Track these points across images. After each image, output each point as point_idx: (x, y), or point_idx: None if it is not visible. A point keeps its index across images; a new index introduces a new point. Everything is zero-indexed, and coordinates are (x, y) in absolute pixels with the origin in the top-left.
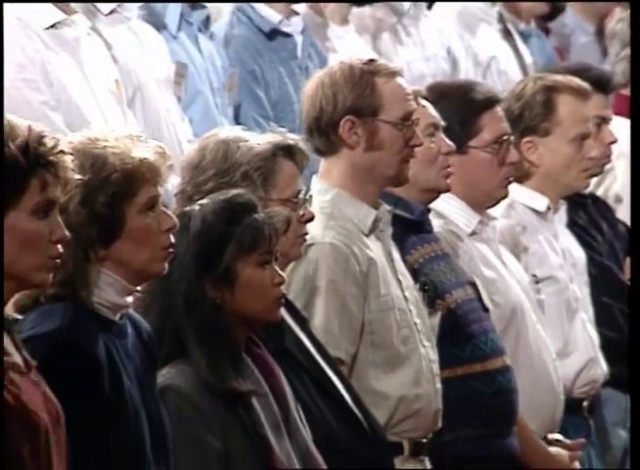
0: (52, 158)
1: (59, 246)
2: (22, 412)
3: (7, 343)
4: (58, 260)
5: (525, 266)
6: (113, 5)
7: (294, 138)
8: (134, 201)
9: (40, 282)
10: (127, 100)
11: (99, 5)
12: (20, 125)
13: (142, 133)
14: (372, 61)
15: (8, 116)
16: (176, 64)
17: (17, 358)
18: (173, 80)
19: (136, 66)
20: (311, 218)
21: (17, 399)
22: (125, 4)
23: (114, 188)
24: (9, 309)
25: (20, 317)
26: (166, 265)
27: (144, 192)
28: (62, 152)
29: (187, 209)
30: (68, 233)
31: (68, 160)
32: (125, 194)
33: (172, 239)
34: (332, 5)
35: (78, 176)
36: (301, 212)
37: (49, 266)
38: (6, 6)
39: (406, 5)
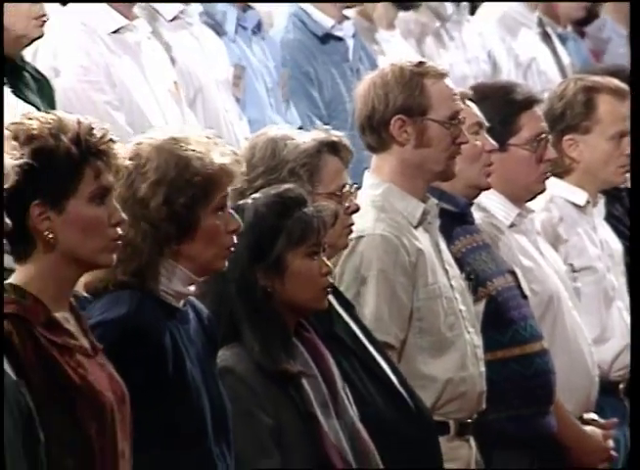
0: (102, 147)
1: (118, 228)
2: (89, 392)
3: (74, 328)
4: (119, 242)
5: (565, 257)
6: (175, 11)
7: (337, 135)
8: (209, 203)
9: (105, 263)
10: (189, 100)
11: (162, 11)
12: (69, 119)
13: (217, 137)
14: (421, 63)
15: (57, 112)
16: (235, 66)
17: (83, 342)
18: (232, 82)
19: (197, 68)
20: (357, 210)
21: (83, 379)
22: (188, 10)
23: (194, 191)
24: (80, 290)
25: (86, 296)
26: (227, 263)
27: (218, 194)
28: (111, 141)
29: (241, 202)
30: (124, 216)
31: (117, 148)
32: (203, 196)
33: (235, 239)
34: (379, 10)
35: (156, 172)
36: (347, 205)
37: (111, 248)
38: (72, 11)
39: (449, 10)
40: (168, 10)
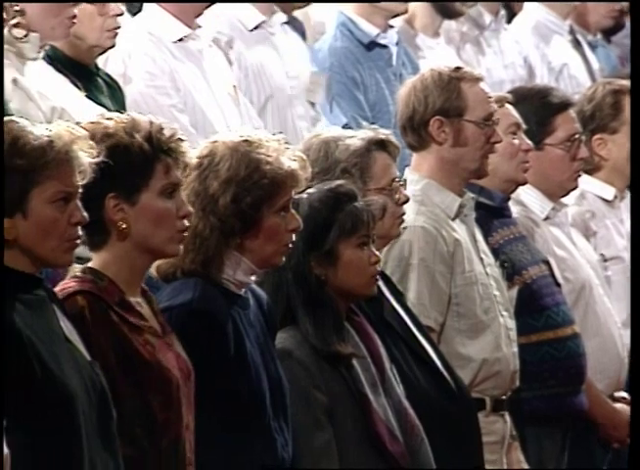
0: (172, 145)
1: (185, 221)
2: (157, 368)
3: (145, 310)
4: (185, 233)
5: (595, 247)
6: (257, 21)
7: (384, 132)
8: (273, 204)
9: (172, 253)
10: (259, 105)
11: (244, 21)
12: (141, 119)
13: (286, 142)
14: (458, 68)
15: (131, 112)
16: (311, 73)
17: (153, 323)
18: (308, 88)
19: (271, 76)
20: (407, 201)
21: (152, 355)
22: (270, 20)
23: (261, 192)
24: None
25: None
26: (284, 259)
27: (283, 196)
28: (179, 139)
29: (296, 196)
30: (191, 209)
31: (185, 146)
32: (268, 198)
33: (294, 237)
34: (425, 19)
35: (228, 171)
36: (397, 196)
37: (178, 239)
38: (140, 21)
39: (488, 19)
40: (250, 20)
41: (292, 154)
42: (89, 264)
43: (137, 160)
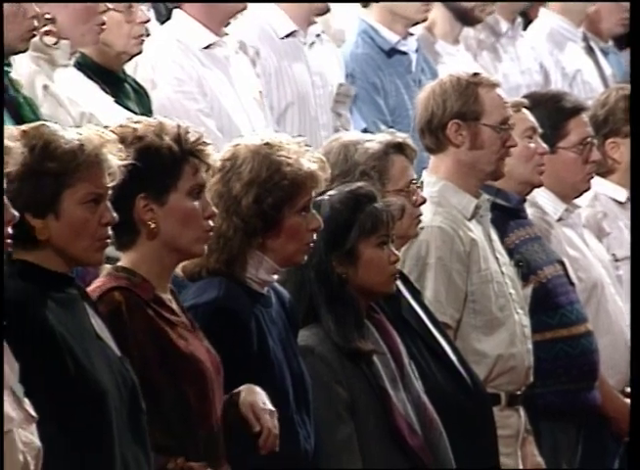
0: (198, 147)
1: (210, 221)
2: (192, 360)
3: (175, 306)
4: (210, 233)
5: (607, 247)
6: (288, 30)
7: (402, 136)
8: (294, 204)
9: (199, 252)
10: (279, 111)
11: (277, 29)
12: (169, 123)
13: (307, 146)
14: (476, 74)
15: (158, 116)
16: (339, 85)
17: (183, 319)
18: (334, 98)
19: (299, 81)
20: (424, 202)
21: (186, 348)
22: (309, 29)
23: (282, 193)
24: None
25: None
26: (305, 257)
27: (304, 197)
28: (204, 143)
29: (318, 198)
30: (215, 210)
31: (209, 149)
32: (289, 198)
33: (315, 236)
34: (446, 27)
35: (250, 173)
36: (415, 198)
37: (204, 238)
38: (169, 29)
39: (505, 27)
40: (282, 28)
41: (311, 156)
42: (119, 264)
43: (166, 161)
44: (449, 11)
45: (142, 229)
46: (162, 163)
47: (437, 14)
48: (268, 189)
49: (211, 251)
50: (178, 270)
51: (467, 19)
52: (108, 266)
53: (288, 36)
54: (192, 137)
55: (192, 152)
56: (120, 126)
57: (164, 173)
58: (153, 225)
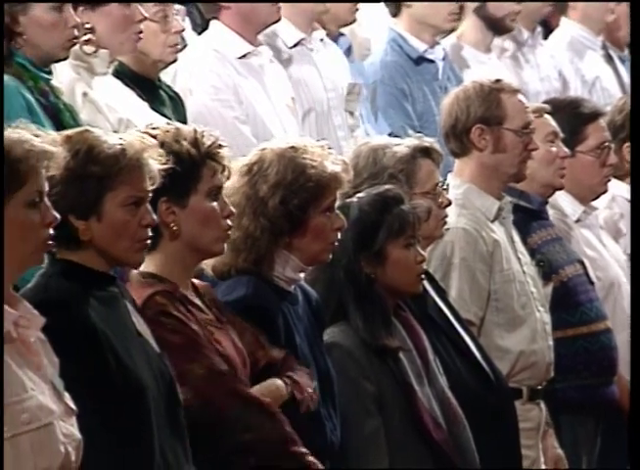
0: (215, 150)
1: (228, 220)
2: (221, 356)
3: (201, 303)
4: (229, 232)
5: (624, 248)
6: (297, 38)
7: (429, 141)
8: (319, 204)
9: (218, 251)
10: (303, 114)
11: (284, 38)
12: (185, 128)
13: (330, 148)
14: (498, 80)
15: (174, 122)
16: (349, 84)
17: (210, 316)
18: (346, 98)
19: (311, 88)
20: (449, 204)
21: (217, 343)
22: (308, 37)
23: (307, 194)
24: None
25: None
26: (330, 256)
27: (328, 198)
28: (220, 145)
29: (347, 200)
30: (233, 209)
31: (225, 151)
32: (314, 199)
33: (339, 235)
34: (477, 36)
35: (276, 176)
36: (440, 200)
37: (224, 238)
38: (206, 39)
39: (525, 36)
40: (290, 38)
41: (334, 158)
42: (142, 269)
43: (186, 165)
44: (480, 20)
45: (164, 231)
46: (182, 167)
47: (469, 23)
48: (294, 191)
49: (240, 250)
50: (208, 269)
51: (498, 27)
52: (134, 274)
53: (296, 45)
54: (208, 141)
55: (209, 155)
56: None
57: (185, 177)
58: (175, 227)
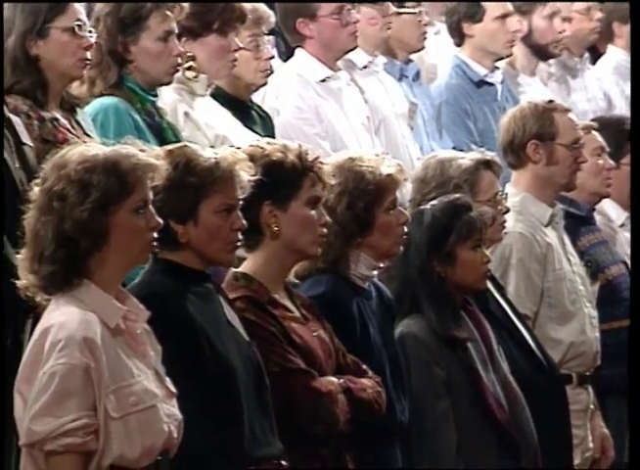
0: (316, 164)
1: (324, 228)
2: (305, 351)
3: (288, 303)
4: (324, 239)
5: None
6: (365, 61)
7: (490, 154)
8: (382, 204)
9: (313, 253)
10: (374, 129)
11: (356, 61)
12: (290, 143)
13: (384, 152)
14: (551, 101)
15: (283, 140)
16: (410, 103)
17: (296, 313)
18: (407, 115)
19: (381, 104)
20: (508, 211)
21: (299, 338)
22: (375, 60)
23: (370, 197)
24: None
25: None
26: (401, 248)
27: (389, 198)
28: (321, 162)
29: (421, 207)
30: (329, 218)
31: (325, 168)
32: (377, 200)
33: (405, 229)
34: (524, 61)
35: (334, 182)
36: (500, 207)
37: (319, 242)
38: (291, 65)
39: (574, 61)
40: (361, 60)
41: (389, 162)
42: (240, 269)
43: (289, 174)
44: (527, 47)
45: (266, 232)
46: (286, 175)
47: (519, 50)
48: (357, 196)
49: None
50: (291, 276)
51: (543, 54)
52: (230, 273)
53: (365, 67)
54: (311, 156)
55: (310, 168)
56: (251, 146)
57: (287, 184)
58: (276, 228)
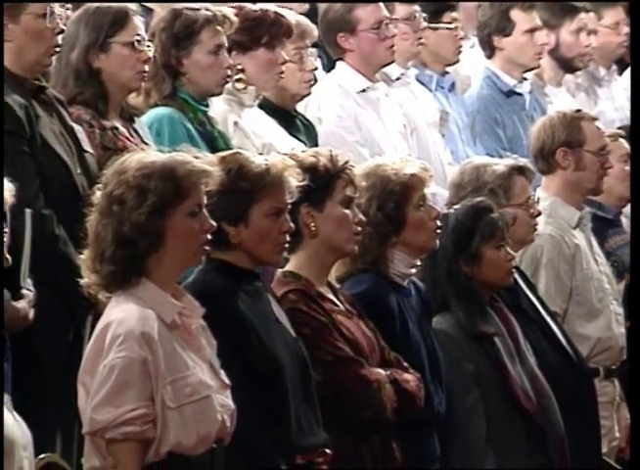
0: (347, 167)
1: (358, 227)
2: (352, 342)
3: (334, 297)
4: (359, 236)
5: None
6: (398, 73)
7: (523, 161)
8: (411, 202)
9: (350, 251)
10: (409, 133)
11: (390, 73)
12: (324, 150)
13: (409, 156)
14: (578, 110)
15: (314, 147)
16: (440, 112)
17: (342, 307)
18: (438, 123)
19: (413, 114)
20: (539, 214)
21: (346, 331)
22: (407, 72)
23: (398, 196)
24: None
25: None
26: (437, 242)
27: (417, 195)
28: (351, 165)
29: (445, 211)
30: (363, 218)
31: (355, 171)
32: (405, 198)
33: (439, 223)
34: (550, 73)
35: (364, 184)
36: (532, 211)
37: (354, 240)
38: (332, 76)
39: (602, 73)
40: (394, 72)
41: (412, 163)
42: (286, 268)
43: (324, 176)
44: (554, 60)
45: (305, 232)
46: (320, 178)
47: (545, 62)
48: (386, 197)
49: (356, 257)
50: (332, 279)
51: (568, 67)
52: (279, 272)
53: (398, 79)
54: (342, 160)
55: (342, 170)
56: (291, 156)
57: (322, 186)
58: (314, 228)
